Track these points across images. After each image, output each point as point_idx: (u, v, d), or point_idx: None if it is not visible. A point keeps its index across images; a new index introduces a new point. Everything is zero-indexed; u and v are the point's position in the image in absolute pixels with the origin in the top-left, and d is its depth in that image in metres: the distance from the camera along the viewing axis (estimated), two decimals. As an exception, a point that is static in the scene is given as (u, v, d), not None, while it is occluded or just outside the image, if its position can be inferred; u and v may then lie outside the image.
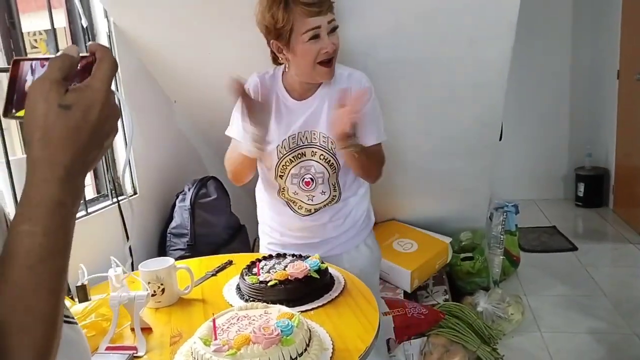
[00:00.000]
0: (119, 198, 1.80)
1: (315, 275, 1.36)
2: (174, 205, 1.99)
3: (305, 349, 1.05)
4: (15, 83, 0.56)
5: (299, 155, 1.54)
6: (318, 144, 1.52)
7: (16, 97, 0.56)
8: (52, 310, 0.49)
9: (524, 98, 4.49)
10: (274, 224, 1.68)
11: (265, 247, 1.71)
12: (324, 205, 1.59)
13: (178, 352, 1.12)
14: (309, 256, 1.45)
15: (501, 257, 3.02)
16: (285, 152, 1.54)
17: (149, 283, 1.35)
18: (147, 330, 1.25)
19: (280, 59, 1.50)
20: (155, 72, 2.06)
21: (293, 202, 1.61)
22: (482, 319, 2.46)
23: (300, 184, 1.56)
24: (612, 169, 4.35)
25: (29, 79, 0.56)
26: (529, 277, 3.26)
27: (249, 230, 2.38)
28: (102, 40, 1.84)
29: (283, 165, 1.55)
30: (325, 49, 1.42)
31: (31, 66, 0.56)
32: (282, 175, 1.56)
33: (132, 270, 1.58)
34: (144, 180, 1.94)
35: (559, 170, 4.75)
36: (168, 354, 1.13)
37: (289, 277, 1.34)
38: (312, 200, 1.58)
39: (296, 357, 1.02)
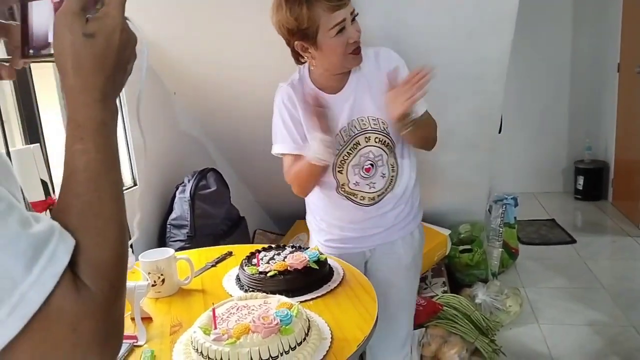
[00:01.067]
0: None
1: (315, 266, 1.37)
2: (173, 197, 1.99)
3: (304, 339, 1.06)
4: (26, 24, 0.59)
5: (355, 145, 1.54)
6: (369, 128, 1.52)
7: (30, 37, 0.59)
8: (118, 213, 0.55)
9: (523, 91, 4.49)
10: (333, 220, 1.66)
11: (322, 244, 1.68)
12: (385, 190, 1.59)
13: (178, 341, 1.13)
14: (309, 247, 1.46)
15: (500, 249, 3.03)
16: (341, 147, 1.53)
17: (149, 273, 1.35)
18: (147, 319, 1.25)
19: (305, 57, 1.49)
20: (154, 64, 2.06)
21: (354, 195, 1.59)
22: (481, 311, 2.47)
23: (362, 173, 1.56)
24: (612, 162, 4.36)
25: (39, 18, 0.59)
26: (527, 270, 3.28)
27: (249, 222, 2.39)
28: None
29: (341, 160, 1.55)
30: (352, 39, 1.42)
31: (54, 7, 0.58)
32: (341, 170, 1.56)
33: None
34: (143, 172, 1.95)
35: (558, 164, 4.76)
36: (168, 343, 1.14)
37: (289, 268, 1.35)
38: (373, 188, 1.58)
39: (295, 347, 1.03)
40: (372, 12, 1.70)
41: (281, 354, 1.01)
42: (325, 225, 1.68)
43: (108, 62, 0.55)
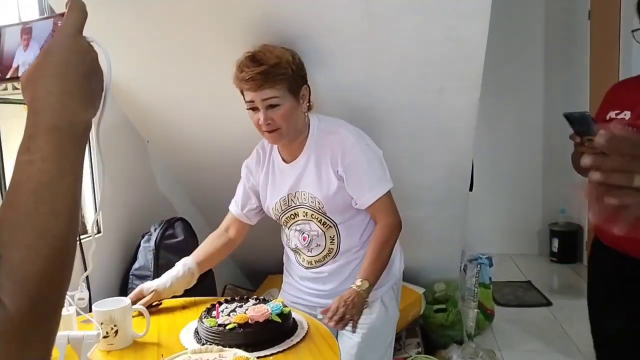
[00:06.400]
0: (81, 237, 1.74)
1: (277, 319, 1.31)
2: (139, 246, 1.93)
3: (259, 395, 1.00)
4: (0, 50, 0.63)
5: (292, 216, 1.58)
6: (307, 204, 1.54)
7: (1, 61, 0.63)
8: (57, 228, 0.51)
9: (497, 153, 4.59)
10: (289, 270, 1.71)
11: (284, 289, 1.73)
12: (323, 258, 1.59)
13: (124, 397, 1.06)
14: (272, 299, 1.42)
15: (475, 310, 2.98)
16: (279, 214, 1.60)
17: (101, 324, 1.28)
18: (95, 374, 1.18)
19: None
20: (128, 112, 2.06)
21: (297, 253, 1.64)
22: (455, 374, 2.39)
23: (300, 239, 1.60)
24: (585, 225, 4.41)
25: (10, 44, 0.63)
26: (503, 332, 3.21)
27: (219, 276, 2.32)
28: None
29: (285, 221, 1.61)
30: (260, 122, 1.45)
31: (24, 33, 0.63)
32: (289, 229, 1.62)
33: (90, 311, 1.51)
34: (108, 220, 1.90)
35: (533, 226, 4.79)
36: (114, 399, 1.07)
37: (249, 321, 1.29)
38: (311, 252, 1.60)
39: (248, 403, 0.97)
40: (343, 67, 1.74)
41: (232, 412, 0.95)
42: (285, 273, 1.73)
43: (67, 72, 0.56)
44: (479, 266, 3.07)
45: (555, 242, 4.55)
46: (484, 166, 3.94)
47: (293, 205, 1.56)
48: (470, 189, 2.34)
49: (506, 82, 4.47)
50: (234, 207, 1.69)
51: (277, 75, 1.42)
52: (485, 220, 4.57)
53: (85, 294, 1.24)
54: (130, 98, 2.00)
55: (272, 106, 1.44)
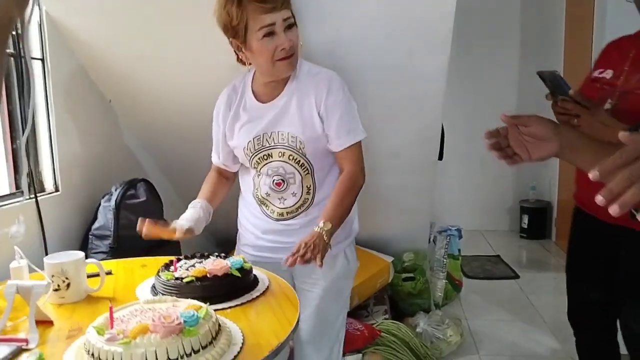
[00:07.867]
0: (37, 194, 1.69)
1: (237, 274, 1.29)
2: (99, 206, 1.88)
3: (211, 342, 0.98)
4: None
5: (265, 157, 1.52)
6: (286, 144, 1.49)
7: None
8: None
9: (471, 130, 4.59)
10: (249, 226, 1.64)
11: (239, 248, 1.68)
12: (296, 209, 1.55)
13: (72, 344, 1.03)
14: (232, 255, 1.40)
15: (444, 280, 3.02)
16: (251, 154, 1.53)
17: (52, 276, 1.25)
18: (47, 323, 1.15)
19: (240, 57, 1.48)
20: (90, 68, 1.98)
21: (265, 205, 1.57)
22: (421, 340, 2.42)
23: (272, 185, 1.53)
24: (555, 202, 4.48)
25: None
26: (471, 302, 3.27)
27: (188, 242, 2.27)
28: (33, 30, 1.76)
29: (254, 165, 1.54)
30: (281, 46, 1.40)
31: None
32: (258, 175, 1.56)
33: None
34: (67, 179, 1.83)
35: (504, 202, 4.86)
36: (63, 346, 1.04)
37: (208, 274, 1.27)
38: (283, 203, 1.55)
39: (199, 350, 0.95)
40: (311, 28, 1.69)
41: (181, 357, 0.93)
42: (244, 231, 1.67)
43: None
44: (448, 237, 3.10)
45: (525, 219, 4.62)
46: (456, 140, 3.96)
47: (267, 145, 1.50)
48: (440, 158, 2.34)
49: (482, 55, 4.49)
50: (215, 158, 1.66)
51: None
52: (457, 196, 4.62)
53: (22, 227, 1.20)
54: (93, 54, 1.93)
55: (290, 27, 1.41)
